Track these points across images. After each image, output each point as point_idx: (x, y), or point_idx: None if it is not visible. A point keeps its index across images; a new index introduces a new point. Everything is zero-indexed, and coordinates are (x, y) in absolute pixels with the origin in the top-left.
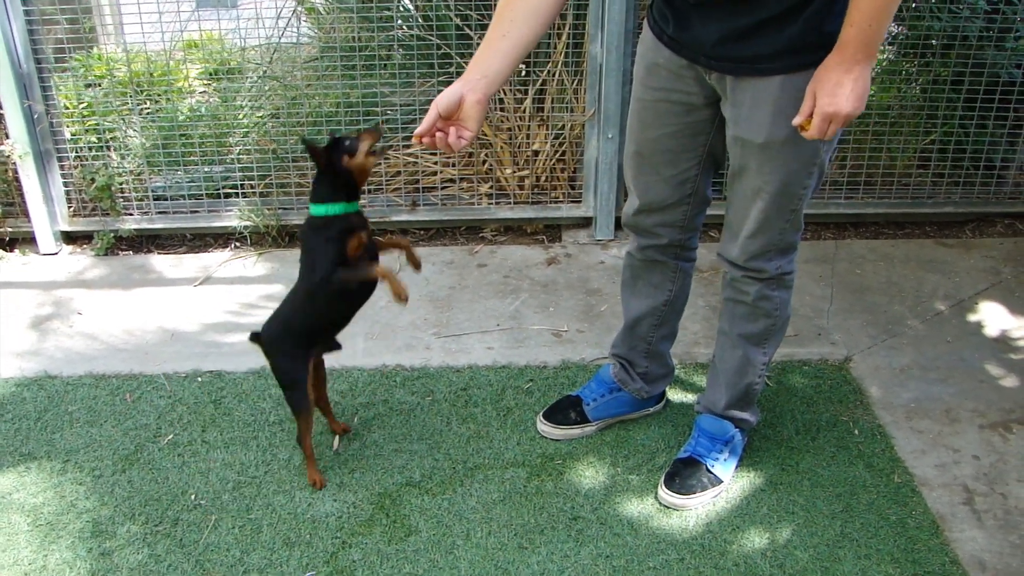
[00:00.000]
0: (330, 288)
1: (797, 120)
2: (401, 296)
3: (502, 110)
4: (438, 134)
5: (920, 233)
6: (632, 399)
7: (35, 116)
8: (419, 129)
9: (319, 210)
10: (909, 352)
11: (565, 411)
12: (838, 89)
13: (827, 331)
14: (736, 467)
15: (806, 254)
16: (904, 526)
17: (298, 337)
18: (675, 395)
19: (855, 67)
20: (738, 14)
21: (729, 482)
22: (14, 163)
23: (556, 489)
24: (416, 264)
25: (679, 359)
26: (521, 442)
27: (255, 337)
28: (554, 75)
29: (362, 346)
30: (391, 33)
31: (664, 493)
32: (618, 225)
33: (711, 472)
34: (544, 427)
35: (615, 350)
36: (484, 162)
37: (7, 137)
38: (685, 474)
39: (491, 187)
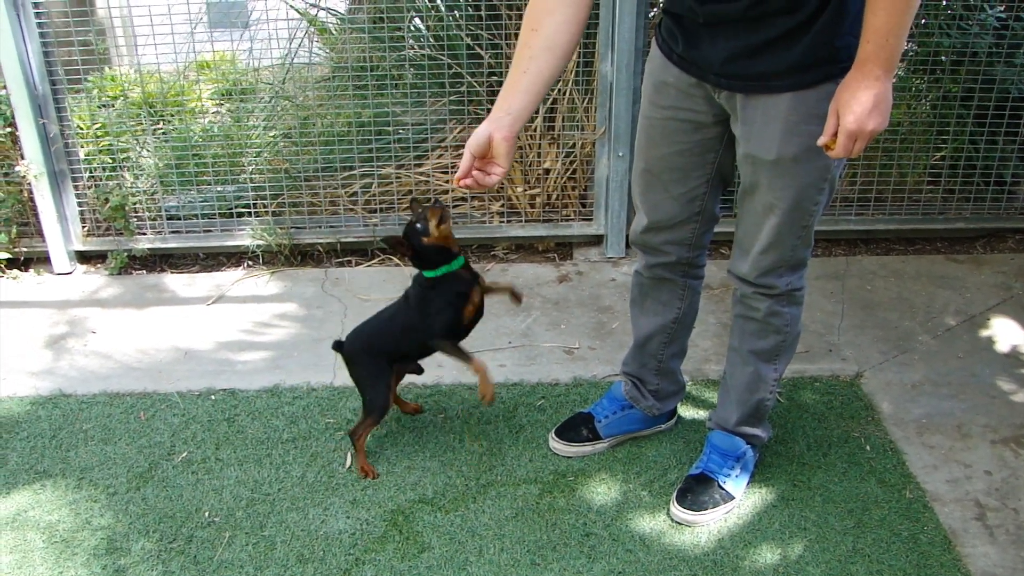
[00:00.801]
0: (432, 343)
1: (822, 140)
2: (487, 397)
3: None
4: (475, 173)
5: (931, 249)
6: (643, 416)
7: (50, 136)
8: (458, 174)
9: (430, 274)
10: (920, 368)
11: (577, 428)
12: (860, 107)
13: (838, 347)
14: (748, 483)
15: (817, 270)
16: (916, 542)
17: (379, 356)
18: (686, 411)
19: (876, 83)
20: (747, 32)
21: (741, 498)
22: (29, 183)
23: (568, 506)
24: (518, 300)
25: (690, 375)
26: (533, 459)
27: (338, 346)
28: (565, 93)
29: None
30: (402, 53)
31: (676, 509)
32: (628, 243)
33: (723, 488)
34: (556, 444)
35: (626, 368)
36: None
37: (22, 158)
38: (697, 490)
39: (503, 205)
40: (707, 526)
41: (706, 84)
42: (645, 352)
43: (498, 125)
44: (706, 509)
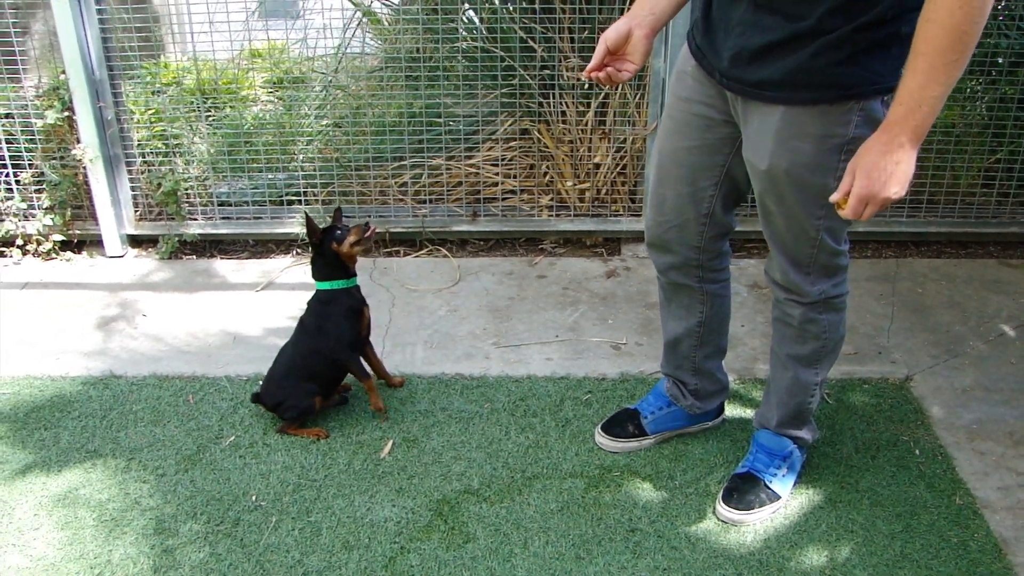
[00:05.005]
0: (337, 361)
1: (834, 197)
2: (380, 409)
3: (564, 122)
4: (608, 69)
5: (983, 253)
6: (687, 414)
7: (106, 121)
8: (590, 65)
9: (324, 286)
10: (971, 373)
11: (623, 424)
12: (877, 172)
13: (887, 350)
14: (795, 484)
15: (866, 272)
16: (966, 548)
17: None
18: (733, 410)
19: (898, 150)
20: (755, 29)
21: (787, 498)
22: (84, 167)
23: (614, 501)
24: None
25: (738, 374)
26: (579, 453)
27: (256, 398)
28: (617, 88)
29: (421, 354)
30: (455, 45)
31: (722, 508)
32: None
33: (769, 488)
34: (602, 440)
35: (663, 368)
36: (545, 174)
37: (78, 142)
38: (743, 489)
39: (552, 199)
40: (753, 526)
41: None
42: (677, 354)
43: (639, 23)
44: (752, 508)
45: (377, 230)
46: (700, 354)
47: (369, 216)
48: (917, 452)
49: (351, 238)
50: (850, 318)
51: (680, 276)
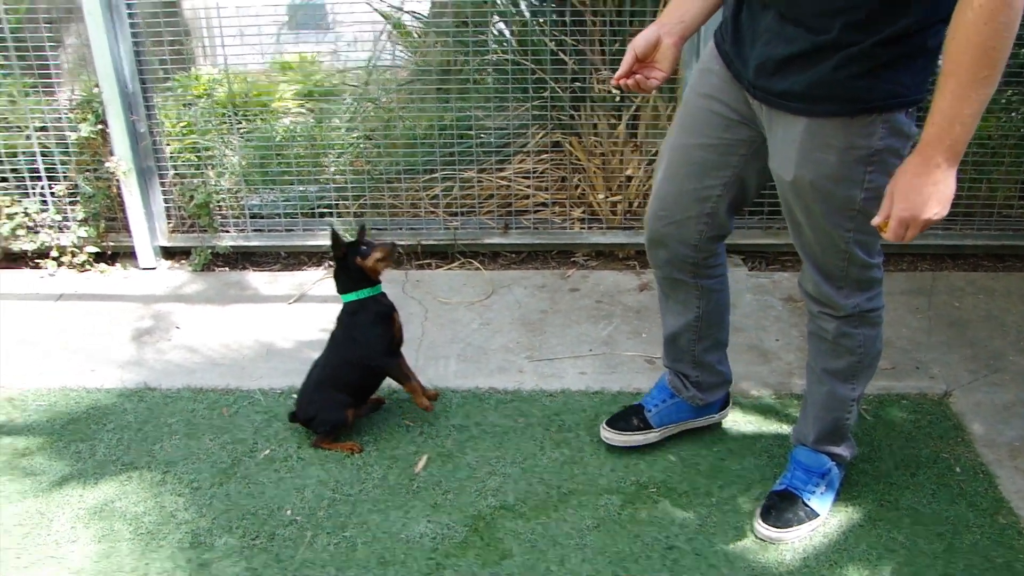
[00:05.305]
0: (374, 368)
1: (876, 221)
2: (428, 408)
3: (596, 135)
4: (636, 76)
5: (1022, 266)
6: (691, 406)
7: (139, 134)
8: (619, 72)
9: (350, 297)
10: (1012, 389)
11: (628, 418)
12: (915, 194)
13: (925, 365)
14: (833, 501)
15: (902, 285)
16: (1012, 570)
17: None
18: (770, 426)
19: (935, 171)
20: (780, 39)
21: (826, 516)
22: (118, 179)
23: (650, 518)
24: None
25: (773, 389)
26: (615, 468)
27: (293, 417)
28: (649, 100)
29: (455, 368)
30: (486, 57)
31: (760, 526)
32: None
33: (808, 505)
34: (607, 434)
35: (664, 361)
36: (577, 187)
37: (112, 154)
38: (781, 507)
39: (583, 212)
40: (792, 544)
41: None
42: (677, 347)
43: (668, 30)
44: (791, 526)
45: (400, 243)
46: (699, 347)
47: (400, 228)
48: (958, 470)
49: (376, 254)
50: (886, 332)
51: (675, 272)
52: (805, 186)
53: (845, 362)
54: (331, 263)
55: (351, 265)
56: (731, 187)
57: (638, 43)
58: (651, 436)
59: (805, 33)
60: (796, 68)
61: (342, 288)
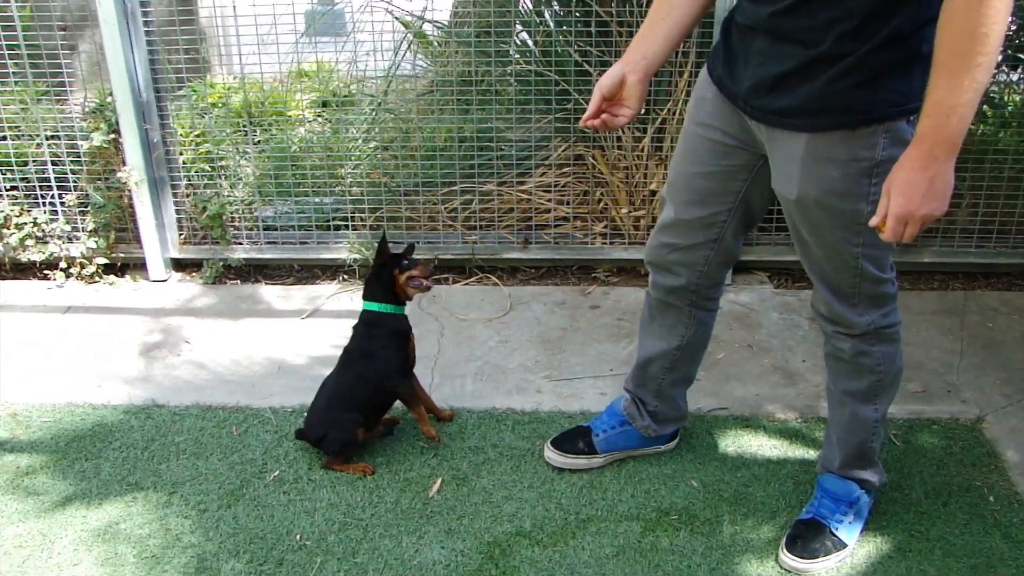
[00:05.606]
0: (386, 387)
1: (874, 221)
2: (433, 437)
3: (619, 148)
4: (604, 116)
5: None
6: (640, 435)
7: (152, 143)
8: (587, 113)
9: (372, 306)
10: None
11: (574, 440)
12: (911, 189)
13: (957, 388)
14: (862, 531)
15: (933, 305)
16: None
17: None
18: (796, 451)
19: (931, 164)
20: (772, 58)
21: (854, 547)
22: (129, 189)
23: (672, 546)
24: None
25: (799, 412)
26: (635, 494)
27: (300, 434)
28: (674, 113)
29: (471, 387)
30: (508, 68)
31: (785, 556)
32: (735, 270)
33: (835, 535)
34: (550, 454)
35: (627, 384)
36: (599, 201)
37: (124, 164)
38: (807, 537)
39: (605, 226)
40: (818, 575)
41: (737, 109)
42: (646, 374)
43: (632, 68)
44: (817, 557)
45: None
46: (668, 378)
47: (418, 242)
48: (991, 499)
49: (415, 271)
50: (916, 354)
51: (675, 298)
52: (810, 203)
53: (865, 382)
54: (345, 276)
55: (388, 275)
56: (736, 212)
57: (604, 83)
58: (595, 461)
59: (798, 48)
60: (792, 84)
61: (368, 294)
